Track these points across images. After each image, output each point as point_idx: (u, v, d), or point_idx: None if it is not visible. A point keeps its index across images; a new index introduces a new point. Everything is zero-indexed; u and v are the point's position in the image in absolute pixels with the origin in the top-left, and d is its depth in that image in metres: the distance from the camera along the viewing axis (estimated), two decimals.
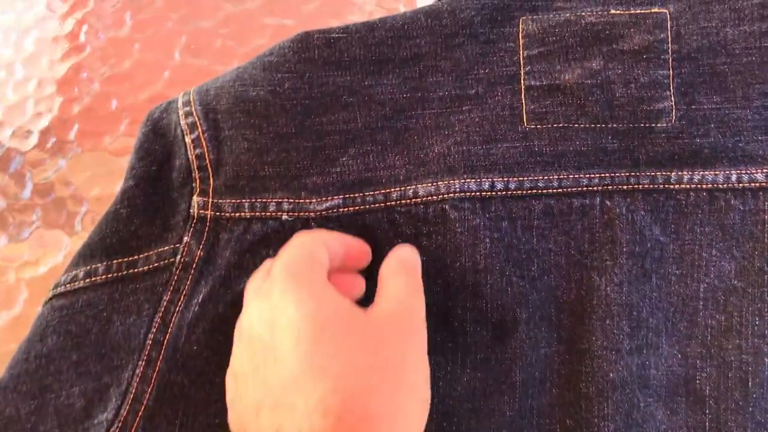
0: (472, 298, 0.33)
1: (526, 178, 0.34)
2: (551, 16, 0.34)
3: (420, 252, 0.33)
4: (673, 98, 0.33)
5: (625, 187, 0.34)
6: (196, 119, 0.35)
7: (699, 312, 0.33)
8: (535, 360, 0.33)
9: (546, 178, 0.34)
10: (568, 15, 0.34)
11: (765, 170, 0.33)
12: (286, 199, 0.34)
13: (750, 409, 0.32)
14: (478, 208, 0.33)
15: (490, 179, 0.33)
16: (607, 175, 0.34)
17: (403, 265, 0.31)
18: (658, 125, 0.33)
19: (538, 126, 0.34)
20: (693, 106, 0.33)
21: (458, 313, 0.33)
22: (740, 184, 0.33)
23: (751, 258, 0.33)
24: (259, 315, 0.28)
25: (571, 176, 0.34)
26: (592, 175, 0.34)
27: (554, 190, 0.34)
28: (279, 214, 0.34)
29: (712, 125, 0.33)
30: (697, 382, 0.33)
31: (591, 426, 0.32)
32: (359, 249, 0.33)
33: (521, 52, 0.34)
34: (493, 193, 0.33)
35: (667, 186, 0.34)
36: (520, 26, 0.34)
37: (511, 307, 0.33)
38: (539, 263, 0.34)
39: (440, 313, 0.33)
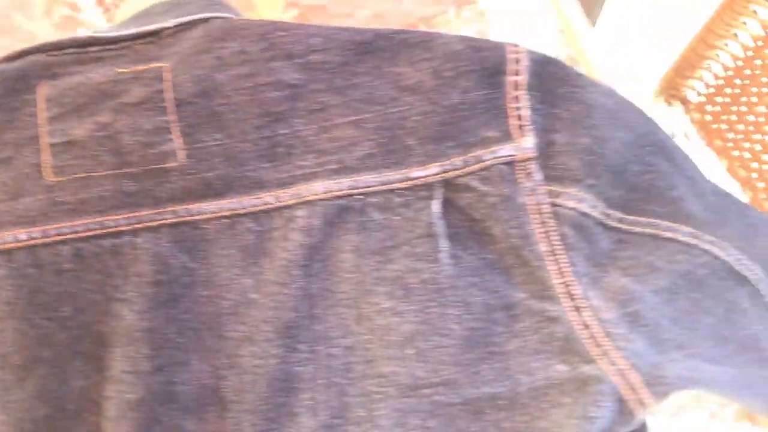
0: None
1: (51, 227, 0.37)
2: (66, 80, 0.38)
3: None
4: (178, 140, 0.38)
5: (151, 223, 0.37)
6: None
7: (224, 327, 0.37)
8: (67, 393, 0.36)
9: (72, 224, 0.37)
10: (80, 78, 0.38)
11: (273, 193, 0.38)
12: None
13: (263, 407, 0.36)
14: (2, 261, 0.36)
15: (12, 232, 0.36)
16: (132, 215, 0.37)
17: None
18: (169, 165, 0.38)
19: (61, 178, 0.37)
20: (197, 145, 0.38)
21: None
22: (254, 208, 0.38)
23: (266, 272, 0.37)
24: None
25: (97, 219, 0.37)
26: (118, 217, 0.37)
27: (81, 234, 0.37)
28: None
29: (218, 159, 0.38)
30: (223, 390, 0.36)
31: None
32: None
33: (42, 115, 0.38)
34: (18, 244, 0.36)
35: (190, 218, 0.37)
36: (39, 92, 0.38)
37: (33, 348, 0.36)
38: (72, 303, 0.37)
39: None
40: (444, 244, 0.37)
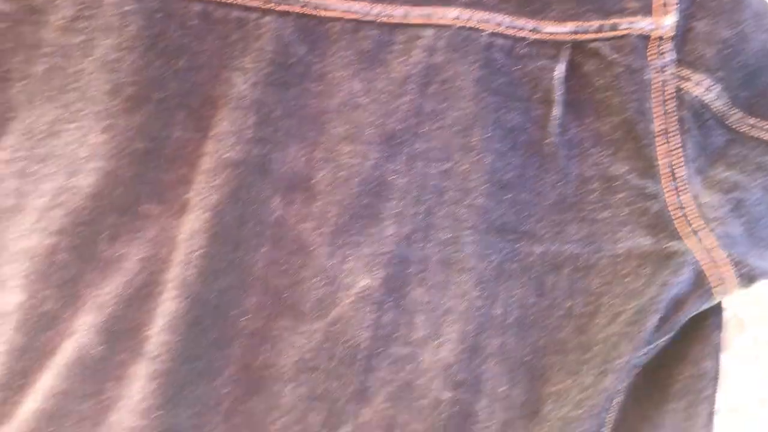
0: (110, 72, 0.36)
1: None
2: None
3: (75, 35, 0.36)
4: None
5: (280, 8, 0.37)
6: None
7: (327, 123, 0.37)
8: (166, 139, 0.36)
9: None
10: None
11: (403, 8, 0.38)
12: None
13: (350, 203, 0.36)
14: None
15: None
16: None
17: None
18: None
19: None
20: None
21: (92, 84, 0.36)
22: (382, 18, 0.38)
23: (376, 80, 0.37)
24: None
25: None
26: None
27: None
28: None
29: None
30: (315, 180, 0.36)
31: (201, 194, 0.35)
32: None
33: None
34: None
35: (318, 12, 0.37)
36: None
37: (145, 86, 0.36)
38: (189, 58, 0.36)
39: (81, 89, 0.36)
40: (557, 112, 0.38)
